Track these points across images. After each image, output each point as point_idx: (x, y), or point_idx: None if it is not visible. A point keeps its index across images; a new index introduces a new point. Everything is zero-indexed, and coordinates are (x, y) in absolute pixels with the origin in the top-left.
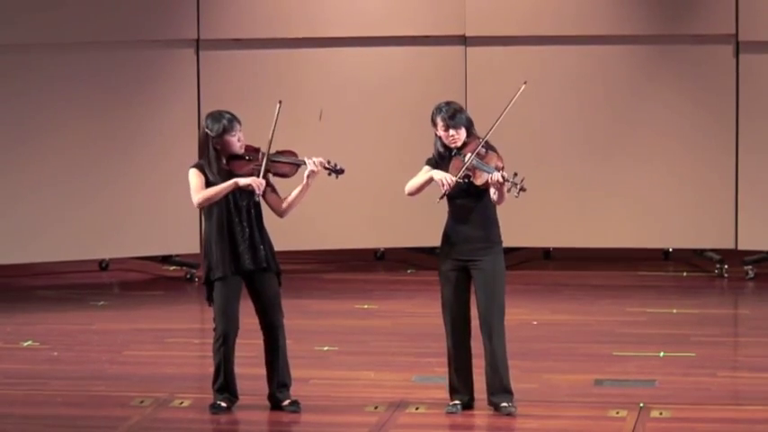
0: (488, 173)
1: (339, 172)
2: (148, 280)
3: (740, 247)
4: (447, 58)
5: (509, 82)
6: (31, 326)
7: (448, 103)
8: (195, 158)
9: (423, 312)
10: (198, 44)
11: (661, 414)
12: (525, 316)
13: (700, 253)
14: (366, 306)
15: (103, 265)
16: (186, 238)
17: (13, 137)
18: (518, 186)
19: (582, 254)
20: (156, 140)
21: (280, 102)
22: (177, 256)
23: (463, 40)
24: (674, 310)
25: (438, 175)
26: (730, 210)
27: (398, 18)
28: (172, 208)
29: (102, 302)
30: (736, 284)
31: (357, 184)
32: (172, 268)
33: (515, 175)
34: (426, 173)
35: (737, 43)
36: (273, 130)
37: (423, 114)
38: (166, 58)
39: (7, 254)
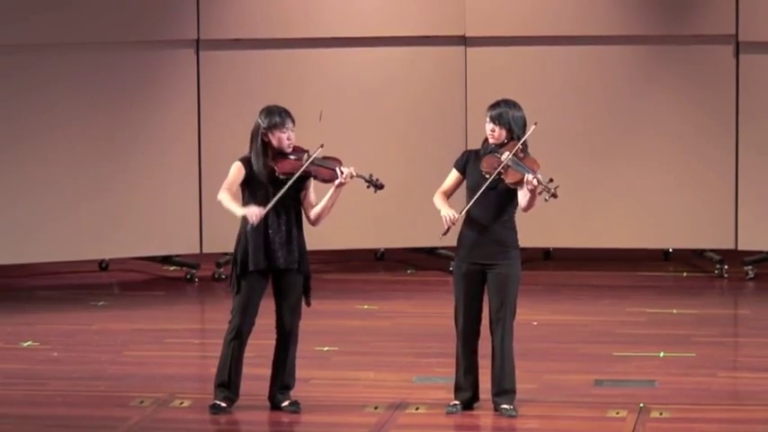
0: (523, 173)
1: (379, 187)
2: (148, 280)
3: (740, 248)
4: (447, 58)
5: (509, 82)
6: (31, 326)
7: (505, 102)
8: (195, 158)
9: (423, 312)
10: (198, 44)
11: (661, 414)
12: (525, 316)
13: (700, 253)
14: (366, 306)
15: (103, 265)
16: (186, 238)
17: (14, 136)
18: (550, 191)
19: (582, 254)
20: (156, 140)
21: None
22: (177, 256)
23: (463, 41)
24: (674, 311)
25: (444, 212)
26: (730, 210)
27: (398, 18)
28: (172, 208)
29: (102, 302)
30: (736, 284)
31: (357, 185)
32: (172, 268)
33: (550, 180)
34: (442, 204)
35: (737, 43)
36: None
37: (423, 114)
38: (166, 58)
39: (7, 254)
